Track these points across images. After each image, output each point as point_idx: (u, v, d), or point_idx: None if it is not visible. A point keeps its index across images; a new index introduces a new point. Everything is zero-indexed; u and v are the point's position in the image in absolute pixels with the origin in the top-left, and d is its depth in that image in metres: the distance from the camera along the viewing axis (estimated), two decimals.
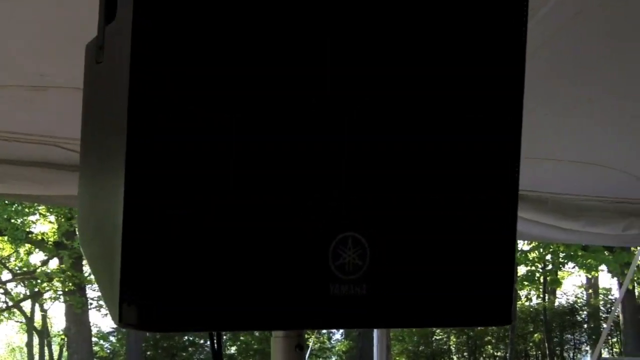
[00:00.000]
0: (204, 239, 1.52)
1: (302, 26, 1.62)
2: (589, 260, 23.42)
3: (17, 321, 31.54)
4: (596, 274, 29.28)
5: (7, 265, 27.10)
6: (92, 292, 28.55)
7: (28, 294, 28.48)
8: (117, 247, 1.50)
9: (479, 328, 30.46)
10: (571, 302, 32.69)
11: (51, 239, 24.68)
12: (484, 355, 31.77)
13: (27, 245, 25.82)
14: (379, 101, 1.69)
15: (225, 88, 1.55)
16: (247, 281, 1.55)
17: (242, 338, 28.86)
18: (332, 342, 31.54)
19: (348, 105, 1.65)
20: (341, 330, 31.23)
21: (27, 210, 23.58)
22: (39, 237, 24.99)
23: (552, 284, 27.77)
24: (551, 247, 23.86)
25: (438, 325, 1.76)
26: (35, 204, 23.05)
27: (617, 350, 30.66)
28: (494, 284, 1.78)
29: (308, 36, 1.63)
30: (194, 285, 1.50)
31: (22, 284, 27.94)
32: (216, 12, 1.55)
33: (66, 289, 24.94)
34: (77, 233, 1.86)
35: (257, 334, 28.91)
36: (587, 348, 31.31)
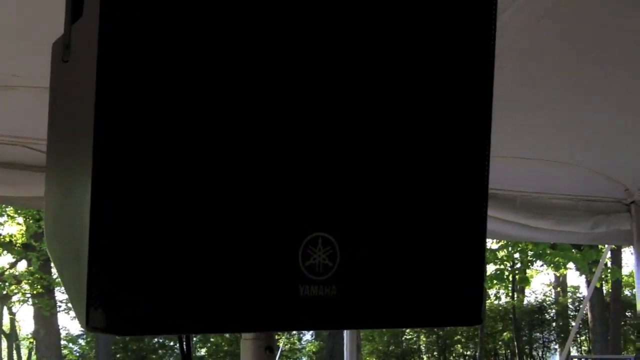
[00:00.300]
0: (171, 240, 1.50)
1: (270, 14, 1.61)
2: (557, 259, 23.52)
3: None
4: (564, 272, 29.45)
5: None
6: (61, 294, 28.35)
7: None
8: (84, 249, 1.48)
9: (448, 327, 30.60)
10: (540, 301, 32.90)
11: (19, 241, 24.50)
12: (454, 355, 31.91)
13: None
14: (348, 98, 1.68)
15: (193, 84, 1.54)
16: (215, 283, 1.53)
17: (212, 340, 28.82)
18: (303, 343, 31.57)
19: (318, 102, 1.64)
20: (311, 331, 31.27)
21: None
22: (7, 239, 24.79)
23: (520, 283, 27.87)
24: (519, 245, 23.96)
25: (409, 326, 1.76)
26: (3, 206, 22.90)
27: (586, 348, 30.86)
28: (464, 284, 1.77)
29: (279, 23, 1.62)
30: (162, 288, 1.49)
31: None
32: (183, 7, 1.53)
33: (34, 292, 24.75)
34: (45, 235, 1.83)
35: (227, 335, 28.87)
36: (556, 346, 31.51)
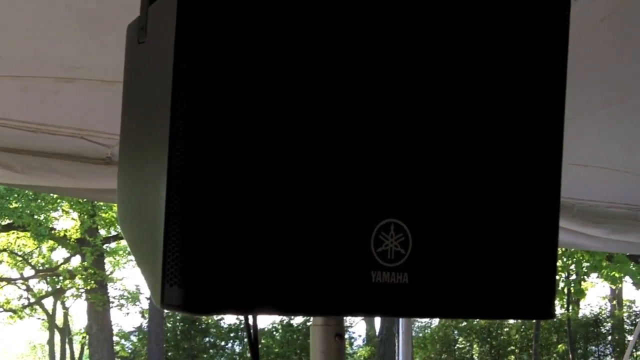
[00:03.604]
0: (247, 222, 1.50)
1: (348, 28, 1.62)
2: (613, 273, 23.28)
3: (38, 318, 31.66)
4: (620, 285, 29.14)
5: (30, 261, 27.24)
6: (114, 290, 28.70)
7: (50, 291, 28.60)
8: (159, 229, 1.49)
9: (502, 337, 30.41)
10: (595, 313, 32.54)
11: (74, 236, 24.78)
12: None
13: (50, 242, 25.94)
14: (426, 91, 1.68)
15: (273, 74, 1.54)
16: (289, 265, 1.54)
17: (263, 341, 28.88)
18: (354, 348, 31.51)
19: (391, 97, 1.64)
20: (363, 336, 31.26)
21: (49, 206, 23.67)
22: (62, 234, 25.09)
23: (576, 295, 27.65)
24: (575, 256, 23.77)
25: (479, 317, 1.74)
26: (58, 200, 23.18)
27: None
28: (536, 276, 1.76)
29: (354, 38, 1.62)
30: (237, 268, 1.49)
31: (44, 281, 28.08)
32: None
33: (88, 287, 25.02)
34: (117, 216, 1.85)
35: (277, 337, 28.96)
36: None
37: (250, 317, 1.94)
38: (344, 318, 1.99)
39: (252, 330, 1.92)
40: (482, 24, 1.74)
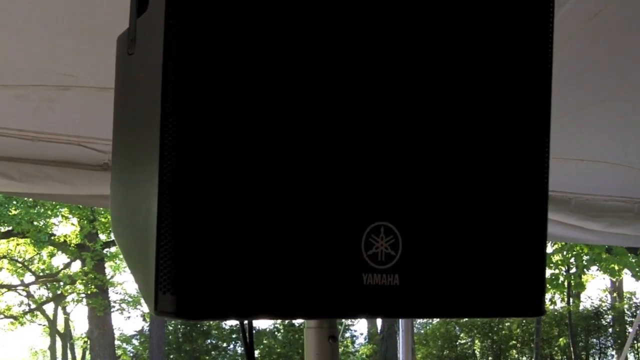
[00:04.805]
0: (238, 229, 1.52)
1: (335, 32, 1.64)
2: (612, 265, 23.26)
3: (39, 324, 31.62)
4: (620, 277, 29.11)
5: (30, 267, 27.20)
6: (115, 295, 28.69)
7: (51, 296, 28.57)
8: (151, 236, 1.51)
9: (503, 332, 30.39)
10: (596, 306, 32.50)
11: (73, 242, 24.74)
12: None
13: (50, 248, 25.89)
14: (412, 93, 1.69)
15: (261, 83, 1.56)
16: (281, 270, 1.56)
17: (264, 342, 28.87)
18: (356, 346, 31.48)
19: (379, 97, 1.66)
20: (364, 334, 31.22)
21: (49, 212, 23.64)
22: (62, 240, 25.05)
23: (576, 288, 27.59)
24: (575, 250, 23.73)
25: (470, 316, 1.76)
26: (58, 206, 23.14)
27: None
28: (526, 274, 1.78)
29: (342, 37, 1.64)
30: (229, 274, 1.51)
31: (44, 287, 28.03)
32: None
33: (89, 292, 24.99)
34: (111, 224, 1.87)
35: (279, 337, 28.94)
36: (613, 352, 31.14)
37: (245, 322, 1.95)
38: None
39: (247, 335, 1.94)
40: (467, 23, 1.75)
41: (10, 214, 22.15)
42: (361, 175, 1.64)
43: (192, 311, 1.50)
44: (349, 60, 1.64)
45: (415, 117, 1.70)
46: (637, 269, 22.76)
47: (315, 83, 1.61)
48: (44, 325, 31.78)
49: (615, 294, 33.57)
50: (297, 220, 1.57)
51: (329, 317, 1.86)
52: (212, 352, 29.30)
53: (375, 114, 1.66)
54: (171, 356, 28.24)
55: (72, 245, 24.83)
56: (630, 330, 29.16)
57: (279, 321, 28.52)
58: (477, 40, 1.76)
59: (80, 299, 27.30)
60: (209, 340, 29.21)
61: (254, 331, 1.97)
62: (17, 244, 25.83)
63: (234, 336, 28.91)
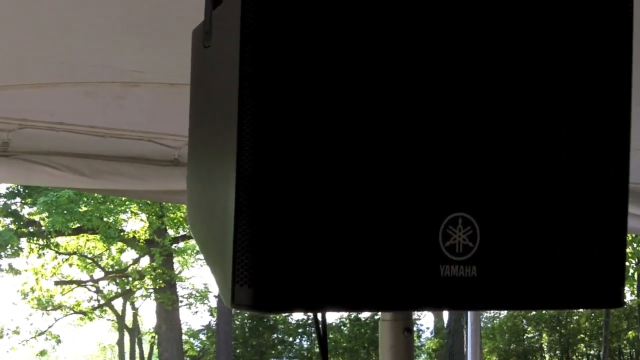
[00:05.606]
0: (315, 221, 1.52)
1: (415, 27, 1.63)
2: None
3: (108, 319, 32.00)
4: None
5: (100, 263, 27.56)
6: (182, 289, 28.92)
7: (119, 292, 28.91)
8: (229, 230, 1.51)
9: (571, 325, 30.10)
10: None
11: (142, 237, 25.03)
12: (577, 354, 31.38)
13: (119, 244, 26.23)
14: (492, 85, 1.68)
15: (338, 75, 1.55)
16: (357, 262, 1.55)
17: (330, 336, 28.92)
18: (422, 340, 31.40)
19: (457, 94, 1.65)
20: (431, 328, 31.14)
21: (118, 208, 23.93)
22: (131, 235, 25.36)
23: None
24: None
25: (548, 307, 1.74)
26: (127, 202, 23.42)
27: None
28: (605, 265, 1.76)
29: (422, 32, 1.63)
30: (306, 266, 1.51)
31: (113, 282, 28.37)
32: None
33: (157, 287, 25.26)
34: (187, 218, 1.88)
35: (345, 331, 28.97)
36: None
37: (319, 314, 1.96)
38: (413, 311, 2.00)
39: (320, 327, 1.94)
40: (543, 18, 1.73)
41: (80, 210, 22.45)
42: (439, 167, 1.63)
43: (268, 303, 1.50)
44: (428, 54, 1.63)
45: (494, 107, 1.68)
46: None
47: (393, 78, 1.60)
48: (112, 320, 32.15)
49: None
50: (374, 213, 1.57)
51: (405, 309, 1.85)
52: (279, 347, 29.45)
53: (455, 108, 1.65)
54: (238, 350, 28.44)
55: (141, 240, 25.14)
56: None
57: (345, 315, 28.58)
58: (555, 30, 1.74)
59: (148, 294, 27.63)
60: (275, 335, 29.37)
61: (326, 322, 1.96)
62: (87, 240, 26.21)
63: (300, 330, 29.04)
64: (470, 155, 1.65)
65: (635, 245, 24.39)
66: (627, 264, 24.99)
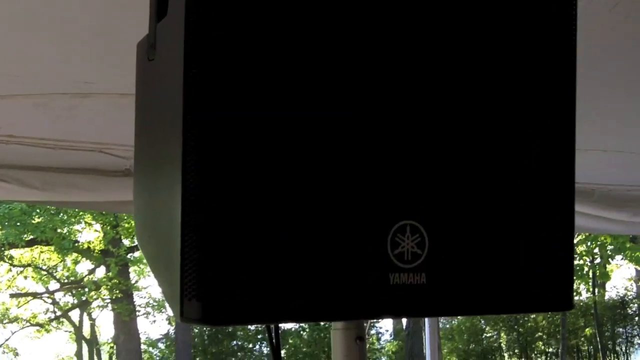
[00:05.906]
0: (262, 232, 1.52)
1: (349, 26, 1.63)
2: (637, 253, 23.18)
3: (65, 331, 31.74)
4: None
5: (55, 275, 27.33)
6: (140, 299, 28.76)
7: (76, 303, 28.68)
8: (175, 243, 1.50)
9: (529, 324, 30.32)
10: (621, 295, 32.39)
11: (97, 248, 24.84)
12: (536, 352, 31.58)
13: (74, 255, 26.00)
14: (435, 90, 1.69)
15: (283, 81, 1.55)
16: (306, 272, 1.55)
17: (290, 341, 28.89)
18: (382, 343, 31.47)
19: (400, 98, 1.65)
20: (390, 330, 31.22)
21: (72, 219, 23.73)
22: (85, 246, 25.15)
23: (601, 278, 27.50)
24: (599, 240, 23.65)
25: (499, 312, 1.75)
26: (81, 213, 23.22)
27: None
28: (554, 268, 1.77)
29: (355, 37, 1.63)
30: (254, 277, 1.51)
31: (69, 294, 28.15)
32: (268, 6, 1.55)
33: (114, 297, 25.08)
34: (135, 231, 1.87)
35: (305, 336, 28.95)
36: None
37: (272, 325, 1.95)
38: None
39: (273, 337, 1.94)
40: (487, 18, 1.74)
41: (33, 222, 22.25)
42: (385, 175, 1.63)
43: (217, 317, 1.50)
44: (370, 63, 1.63)
45: (438, 114, 1.68)
46: None
47: (340, 85, 1.60)
48: (70, 332, 31.88)
49: None
50: (322, 224, 1.57)
51: (356, 319, 1.85)
52: (239, 354, 29.37)
53: (400, 115, 1.65)
54: (197, 359, 28.31)
55: (96, 251, 24.92)
56: None
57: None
58: (498, 32, 1.74)
59: (105, 304, 27.43)
60: (234, 342, 29.27)
61: (279, 331, 1.96)
62: (41, 252, 25.98)
63: (259, 337, 28.96)
64: (417, 163, 1.66)
65: (589, 243, 24.59)
66: (581, 262, 25.26)
